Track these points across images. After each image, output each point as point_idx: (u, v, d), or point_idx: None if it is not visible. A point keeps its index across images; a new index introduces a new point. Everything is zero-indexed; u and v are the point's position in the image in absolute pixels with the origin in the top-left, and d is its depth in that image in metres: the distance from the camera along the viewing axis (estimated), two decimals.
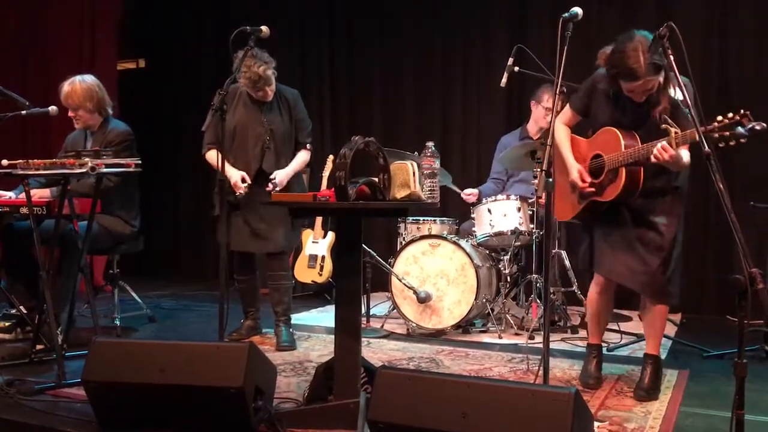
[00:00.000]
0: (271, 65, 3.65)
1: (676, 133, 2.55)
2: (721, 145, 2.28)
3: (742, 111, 2.27)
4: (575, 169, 2.93)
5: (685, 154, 2.70)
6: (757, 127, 2.23)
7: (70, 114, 3.87)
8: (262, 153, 3.71)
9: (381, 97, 6.13)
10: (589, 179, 2.89)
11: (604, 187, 2.86)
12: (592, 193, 2.89)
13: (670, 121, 2.58)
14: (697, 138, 2.35)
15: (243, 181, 3.63)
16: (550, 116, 4.46)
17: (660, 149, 2.58)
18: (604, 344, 3.25)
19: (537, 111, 4.59)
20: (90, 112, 3.89)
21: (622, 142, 2.76)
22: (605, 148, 2.85)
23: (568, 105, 3.13)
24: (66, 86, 3.86)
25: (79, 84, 3.85)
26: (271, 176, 3.65)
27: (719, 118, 2.31)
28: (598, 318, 3.12)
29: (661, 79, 2.68)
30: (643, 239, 2.85)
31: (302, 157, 3.87)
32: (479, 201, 4.40)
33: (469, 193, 4.67)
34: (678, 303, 2.97)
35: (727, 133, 2.27)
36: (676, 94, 2.67)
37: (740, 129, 2.24)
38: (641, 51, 2.59)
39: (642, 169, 2.77)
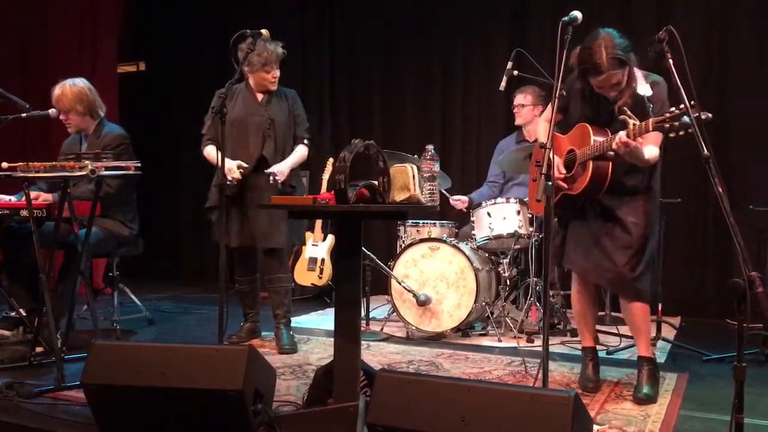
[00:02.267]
0: (280, 45, 3.76)
1: (634, 124, 2.60)
2: (671, 135, 2.40)
3: (692, 102, 2.30)
4: None
5: (650, 150, 2.75)
6: (702, 116, 2.27)
7: (61, 117, 3.87)
8: (263, 141, 3.74)
9: (381, 99, 6.15)
10: (563, 171, 2.93)
11: (574, 181, 2.91)
12: (565, 185, 2.93)
13: (629, 113, 2.64)
14: (651, 128, 2.50)
15: (239, 168, 3.63)
16: (522, 113, 4.54)
17: (618, 139, 2.63)
18: (603, 347, 3.25)
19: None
20: (81, 115, 3.89)
21: (592, 137, 2.82)
22: (578, 143, 2.92)
23: (550, 103, 3.16)
24: (57, 90, 3.88)
25: (70, 87, 3.86)
26: (269, 170, 3.66)
27: (672, 109, 2.40)
28: (584, 317, 3.13)
29: (626, 74, 2.74)
30: (611, 236, 2.89)
31: (301, 151, 3.88)
32: (477, 206, 4.39)
33: (456, 199, 4.68)
34: (649, 302, 2.97)
35: (676, 123, 2.36)
36: (641, 89, 2.75)
37: (686, 119, 2.31)
38: (604, 46, 2.70)
39: (611, 164, 2.82)
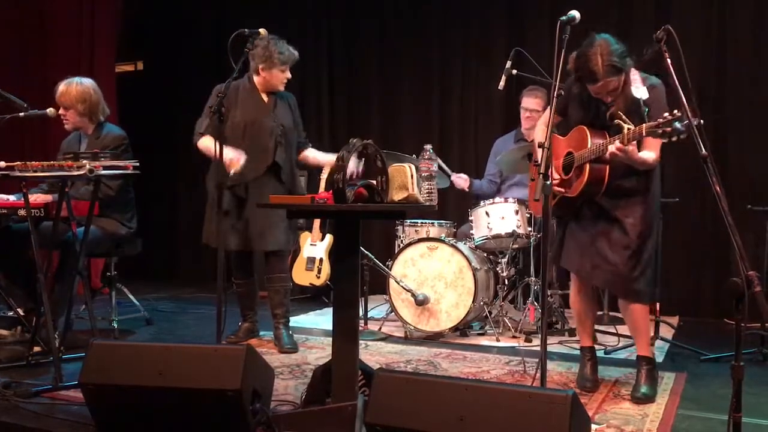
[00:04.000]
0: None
1: (628, 129, 2.61)
2: (664, 141, 2.42)
3: (689, 108, 2.31)
4: None
5: (647, 154, 2.75)
6: (694, 122, 2.28)
7: (60, 112, 3.84)
8: (275, 147, 3.73)
9: (379, 98, 6.14)
10: (561, 175, 2.95)
11: (572, 183, 2.92)
12: (562, 189, 2.94)
13: (624, 117, 2.65)
14: (644, 133, 2.52)
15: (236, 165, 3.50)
16: (528, 116, 4.51)
17: (612, 148, 2.65)
18: (601, 347, 3.26)
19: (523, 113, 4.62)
20: (80, 115, 3.89)
21: (589, 140, 2.82)
22: (576, 146, 2.92)
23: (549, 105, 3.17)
24: (62, 85, 3.88)
25: (75, 86, 3.87)
26: None
27: (665, 115, 2.40)
28: (582, 317, 3.14)
29: (621, 80, 2.75)
30: (609, 237, 2.89)
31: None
32: (476, 205, 4.39)
33: (459, 176, 4.67)
34: (649, 301, 2.98)
35: (669, 129, 2.36)
36: (637, 92, 2.74)
37: (677, 125, 2.33)
38: (600, 53, 2.70)
39: (608, 167, 2.83)
